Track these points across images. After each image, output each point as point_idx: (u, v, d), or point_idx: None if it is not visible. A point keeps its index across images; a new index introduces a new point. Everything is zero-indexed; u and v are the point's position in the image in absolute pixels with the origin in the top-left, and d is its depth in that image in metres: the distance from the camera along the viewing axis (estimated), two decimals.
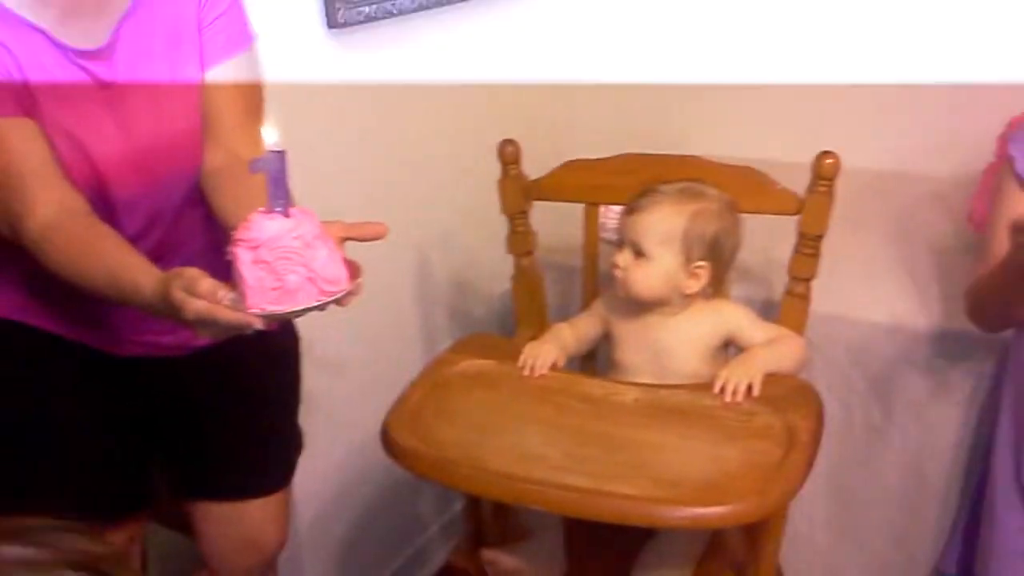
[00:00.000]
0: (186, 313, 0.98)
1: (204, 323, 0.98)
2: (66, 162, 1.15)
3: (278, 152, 0.97)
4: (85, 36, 1.15)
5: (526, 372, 1.47)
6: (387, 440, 1.33)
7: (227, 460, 1.44)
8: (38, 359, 1.32)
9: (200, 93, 1.23)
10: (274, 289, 0.96)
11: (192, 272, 0.98)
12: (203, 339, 1.05)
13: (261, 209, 0.98)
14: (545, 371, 1.47)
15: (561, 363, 1.51)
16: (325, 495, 1.92)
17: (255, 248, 0.96)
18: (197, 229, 1.29)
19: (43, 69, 1.13)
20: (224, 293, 0.97)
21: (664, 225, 1.43)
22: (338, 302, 1.00)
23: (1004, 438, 1.47)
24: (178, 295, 0.98)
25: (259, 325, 0.97)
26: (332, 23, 1.69)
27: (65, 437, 1.33)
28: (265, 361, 1.40)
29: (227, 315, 0.96)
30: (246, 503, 1.46)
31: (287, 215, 0.97)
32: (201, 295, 0.97)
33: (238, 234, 0.97)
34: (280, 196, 0.97)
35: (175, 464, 1.47)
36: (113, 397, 1.36)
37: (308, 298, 0.98)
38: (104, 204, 1.19)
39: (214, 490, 1.46)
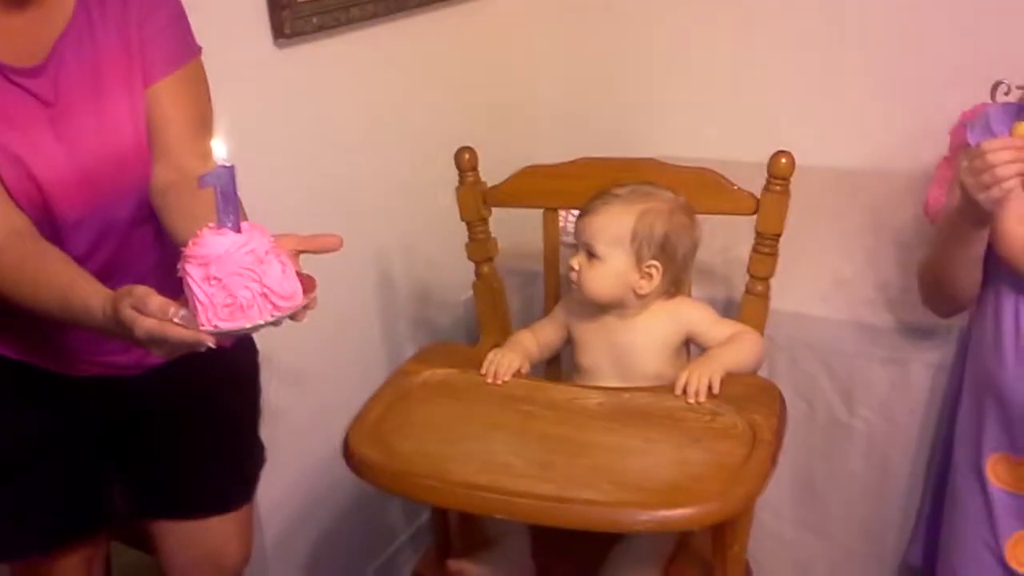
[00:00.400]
0: (136, 332, 0.96)
1: (155, 341, 0.97)
2: (9, 183, 1.13)
3: (227, 167, 0.96)
4: (23, 54, 1.13)
5: (489, 379, 1.47)
6: (349, 453, 1.32)
7: (187, 478, 1.43)
8: None
9: (145, 108, 1.21)
10: (226, 306, 0.95)
11: (141, 290, 0.97)
12: (156, 358, 1.03)
13: (211, 224, 0.97)
14: (508, 378, 1.47)
15: (525, 369, 1.51)
16: (290, 509, 1.90)
17: (205, 265, 0.95)
18: (147, 246, 1.27)
19: None
20: (175, 310, 0.96)
21: (613, 226, 1.44)
22: (293, 317, 0.99)
23: (964, 426, 1.49)
24: (128, 313, 0.97)
25: (211, 342, 0.96)
26: (280, 34, 1.68)
27: (18, 460, 1.31)
28: (223, 377, 1.39)
29: (178, 333, 0.95)
30: (208, 520, 1.44)
31: (238, 230, 0.96)
32: (151, 313, 0.96)
33: (188, 251, 0.96)
34: (230, 211, 0.96)
35: (134, 483, 1.45)
36: (68, 418, 1.34)
37: (261, 314, 0.97)
38: (50, 224, 1.17)
39: (175, 508, 1.44)
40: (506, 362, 1.48)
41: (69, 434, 1.35)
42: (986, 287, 1.44)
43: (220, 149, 0.97)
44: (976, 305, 1.48)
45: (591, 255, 1.45)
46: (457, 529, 1.51)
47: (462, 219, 1.67)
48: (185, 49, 1.25)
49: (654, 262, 1.45)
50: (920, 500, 1.70)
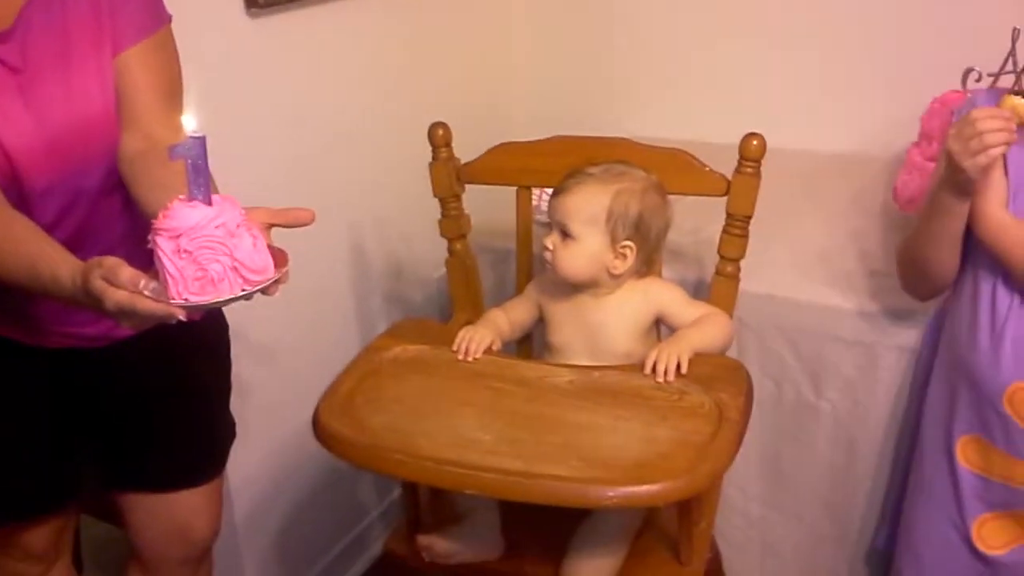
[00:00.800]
0: (106, 303, 0.96)
1: (125, 313, 0.96)
2: None
3: (198, 138, 0.95)
4: None
5: (460, 355, 1.47)
6: (318, 427, 1.32)
7: (155, 451, 1.42)
8: None
9: (114, 76, 1.20)
10: (197, 279, 0.95)
11: (112, 261, 0.96)
12: (125, 330, 1.03)
13: (181, 197, 0.96)
14: (480, 354, 1.47)
15: (496, 346, 1.51)
16: (262, 484, 1.90)
17: (176, 237, 0.94)
18: (116, 215, 1.26)
19: None
20: (145, 283, 0.96)
21: (588, 206, 1.44)
22: (264, 291, 0.99)
23: (935, 408, 1.51)
24: (98, 285, 0.96)
25: (181, 315, 0.96)
26: (252, 3, 1.67)
27: None
28: (193, 350, 1.39)
29: (149, 305, 0.95)
30: (176, 494, 1.44)
31: (209, 203, 0.96)
32: (122, 285, 0.95)
33: (158, 223, 0.95)
34: (201, 183, 0.96)
35: (103, 456, 1.44)
36: (37, 390, 1.34)
37: (232, 288, 0.96)
38: (17, 192, 1.16)
39: (143, 482, 1.44)
40: (477, 338, 1.48)
41: (37, 406, 1.35)
42: (964, 272, 1.46)
43: (190, 121, 0.97)
44: (953, 289, 1.50)
45: (565, 235, 1.46)
46: (427, 505, 1.52)
47: (435, 196, 1.67)
48: (155, 17, 1.24)
49: (628, 242, 1.45)
50: (887, 485, 1.72)
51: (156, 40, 1.23)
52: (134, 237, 1.17)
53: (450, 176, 1.65)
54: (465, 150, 1.68)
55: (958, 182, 1.31)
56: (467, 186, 1.69)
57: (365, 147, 2.02)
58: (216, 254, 0.95)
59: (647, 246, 1.48)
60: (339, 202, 1.95)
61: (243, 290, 0.97)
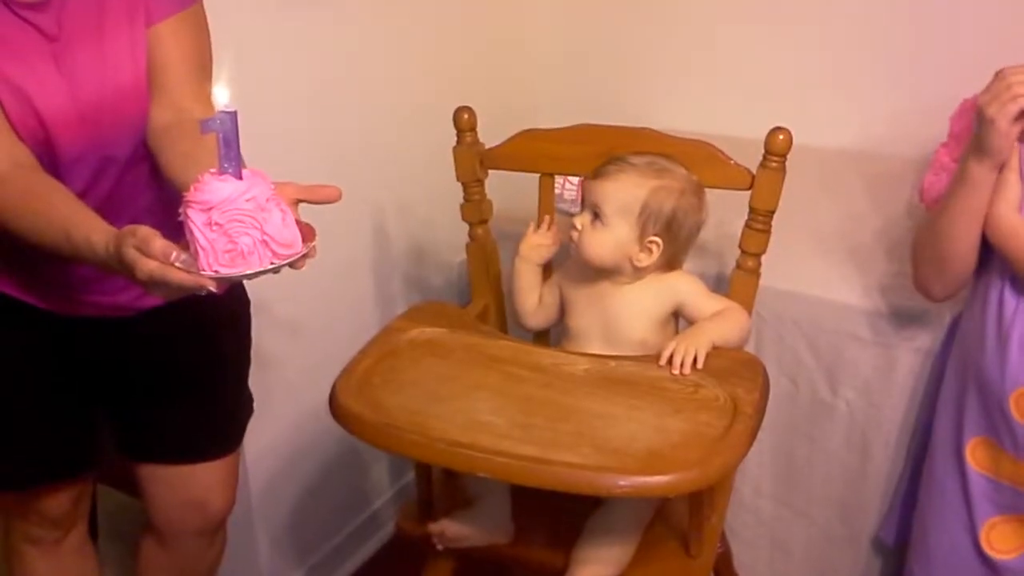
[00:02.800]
0: (138, 273, 0.97)
1: (156, 283, 0.98)
2: (13, 116, 1.14)
3: (230, 112, 0.96)
4: None
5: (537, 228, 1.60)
6: (334, 405, 1.33)
7: (174, 424, 1.44)
8: None
9: (146, 48, 1.21)
10: (227, 251, 0.96)
11: (145, 231, 0.98)
12: (153, 300, 1.04)
13: (212, 170, 0.97)
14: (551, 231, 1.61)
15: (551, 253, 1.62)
16: (278, 459, 1.92)
17: (207, 210, 0.96)
18: (143, 186, 1.28)
19: None
20: (177, 254, 0.97)
21: (624, 195, 1.44)
22: (292, 265, 1.00)
23: (946, 409, 1.51)
24: (130, 254, 0.97)
25: (212, 287, 0.97)
26: None
27: (8, 397, 1.33)
28: (215, 324, 1.40)
29: (179, 276, 0.96)
30: (192, 466, 1.46)
31: (239, 177, 0.97)
32: (153, 255, 0.96)
33: (189, 196, 0.97)
34: (231, 157, 0.97)
35: (122, 426, 1.46)
36: (61, 358, 1.35)
37: (261, 261, 0.98)
38: (50, 158, 1.17)
39: (160, 453, 1.46)
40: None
41: (58, 374, 1.36)
42: (978, 278, 1.45)
43: (223, 95, 0.98)
44: (970, 294, 1.49)
45: (596, 217, 1.46)
46: (440, 487, 1.53)
47: (458, 180, 1.67)
48: None
49: (656, 238, 1.45)
50: (898, 482, 1.72)
51: (189, 15, 1.24)
52: (160, 208, 1.18)
53: (473, 161, 1.66)
54: (490, 136, 1.68)
55: (985, 141, 1.29)
56: (491, 172, 1.69)
57: (391, 129, 2.03)
58: (246, 227, 0.96)
59: (675, 245, 1.47)
60: (363, 183, 1.96)
61: (272, 263, 0.98)
